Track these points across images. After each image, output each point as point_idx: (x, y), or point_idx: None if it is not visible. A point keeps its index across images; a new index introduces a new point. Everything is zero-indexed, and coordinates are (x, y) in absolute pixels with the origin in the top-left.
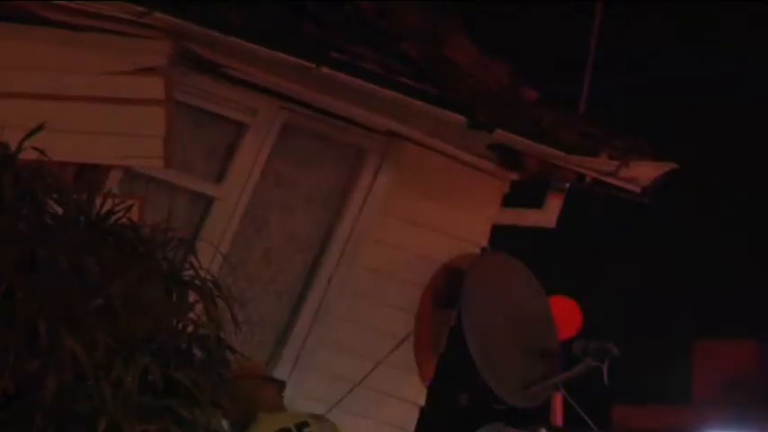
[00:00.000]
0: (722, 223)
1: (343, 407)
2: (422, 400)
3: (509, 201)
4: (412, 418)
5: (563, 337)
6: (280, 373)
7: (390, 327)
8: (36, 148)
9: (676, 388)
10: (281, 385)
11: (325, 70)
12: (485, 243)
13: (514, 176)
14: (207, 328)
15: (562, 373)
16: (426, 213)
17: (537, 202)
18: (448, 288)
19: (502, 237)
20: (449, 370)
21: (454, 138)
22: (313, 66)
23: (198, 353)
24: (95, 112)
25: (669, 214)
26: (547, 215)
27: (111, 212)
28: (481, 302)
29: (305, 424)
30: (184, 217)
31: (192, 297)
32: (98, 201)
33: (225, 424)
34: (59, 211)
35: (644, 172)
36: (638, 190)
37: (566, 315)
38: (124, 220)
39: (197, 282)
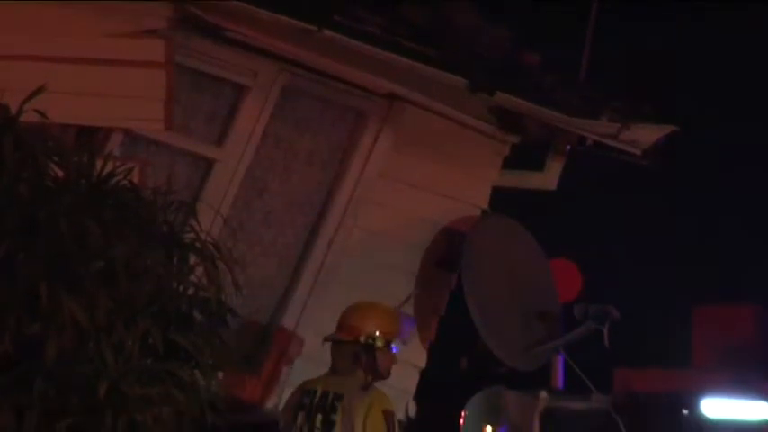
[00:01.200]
0: (723, 186)
1: None
2: (422, 363)
3: (510, 163)
4: (412, 380)
5: (564, 300)
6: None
7: (391, 289)
8: (37, 111)
9: (677, 352)
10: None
11: (326, 33)
12: (485, 206)
13: (515, 139)
14: (208, 291)
15: (563, 336)
16: (427, 176)
17: (538, 165)
18: (448, 251)
19: (502, 199)
20: (449, 333)
21: (455, 101)
22: (314, 28)
23: (198, 316)
24: (96, 75)
25: (670, 177)
26: (547, 178)
27: (111, 175)
28: (482, 265)
29: (340, 397)
30: (185, 180)
31: (192, 260)
32: (99, 163)
33: None
34: (60, 173)
35: (645, 134)
36: (638, 153)
37: (566, 278)
38: (125, 182)
39: (198, 244)
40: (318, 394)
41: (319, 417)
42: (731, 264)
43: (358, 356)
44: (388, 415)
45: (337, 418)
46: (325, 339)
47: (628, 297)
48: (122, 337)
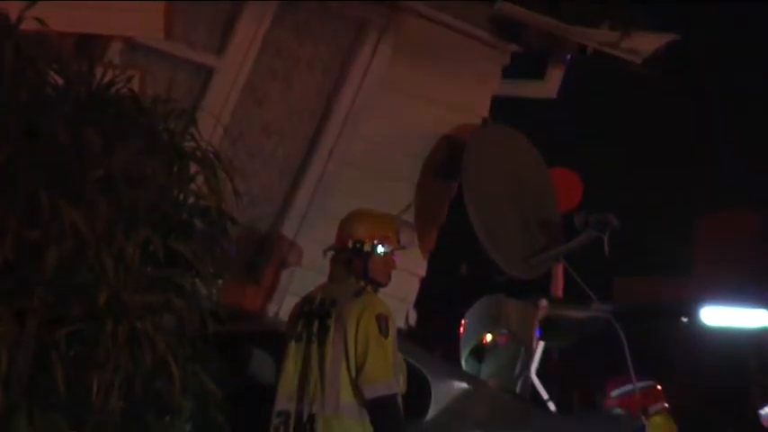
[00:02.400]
0: (725, 96)
1: None
2: (422, 271)
3: (510, 72)
4: (412, 288)
5: (564, 209)
6: (281, 245)
7: (391, 198)
8: (36, 19)
9: (677, 260)
10: None
11: None
12: (485, 114)
13: (515, 48)
14: (208, 200)
15: (563, 245)
16: (427, 85)
17: (538, 74)
18: (449, 160)
19: (503, 108)
20: (449, 241)
21: (456, 9)
22: None
23: (199, 224)
24: None
25: (672, 85)
26: (548, 86)
27: (111, 83)
28: (482, 174)
29: (334, 303)
30: (185, 88)
31: (192, 168)
32: (98, 72)
33: None
34: (60, 81)
35: (645, 43)
36: (638, 61)
37: (567, 186)
38: (125, 91)
39: (198, 153)
40: (317, 301)
41: (316, 323)
42: (732, 172)
43: (350, 262)
44: (382, 318)
45: (331, 323)
46: (325, 251)
47: (628, 205)
48: (122, 245)
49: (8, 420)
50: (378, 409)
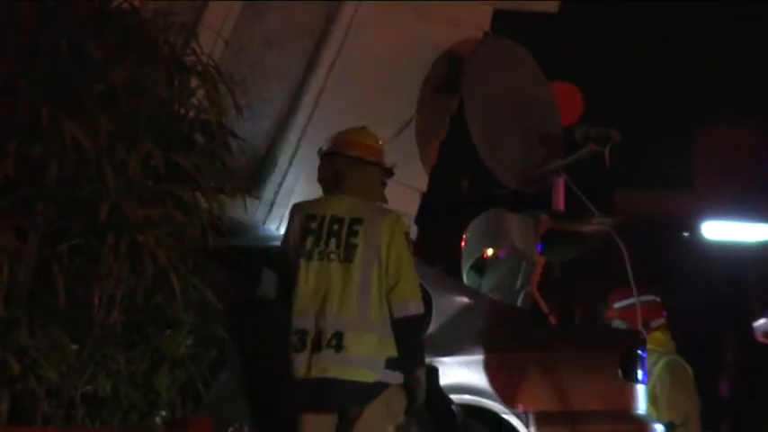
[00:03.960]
0: (724, 9)
1: None
2: (424, 186)
3: None
4: (414, 203)
5: (565, 123)
6: (282, 159)
7: (392, 113)
8: None
9: (678, 174)
10: None
11: None
12: (487, 28)
13: None
14: (209, 114)
15: (564, 158)
16: None
17: None
18: (450, 74)
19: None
20: (451, 156)
21: None
22: None
23: (200, 138)
24: None
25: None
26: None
27: None
28: (483, 88)
29: (359, 221)
30: (186, 2)
31: (193, 82)
32: None
33: None
34: None
35: None
36: None
37: (568, 100)
38: (125, 4)
39: (199, 67)
40: (328, 218)
41: (333, 241)
42: (733, 84)
43: (384, 184)
44: (408, 237)
45: (358, 240)
46: (362, 157)
47: (629, 119)
48: (124, 158)
49: (9, 333)
50: (406, 326)
